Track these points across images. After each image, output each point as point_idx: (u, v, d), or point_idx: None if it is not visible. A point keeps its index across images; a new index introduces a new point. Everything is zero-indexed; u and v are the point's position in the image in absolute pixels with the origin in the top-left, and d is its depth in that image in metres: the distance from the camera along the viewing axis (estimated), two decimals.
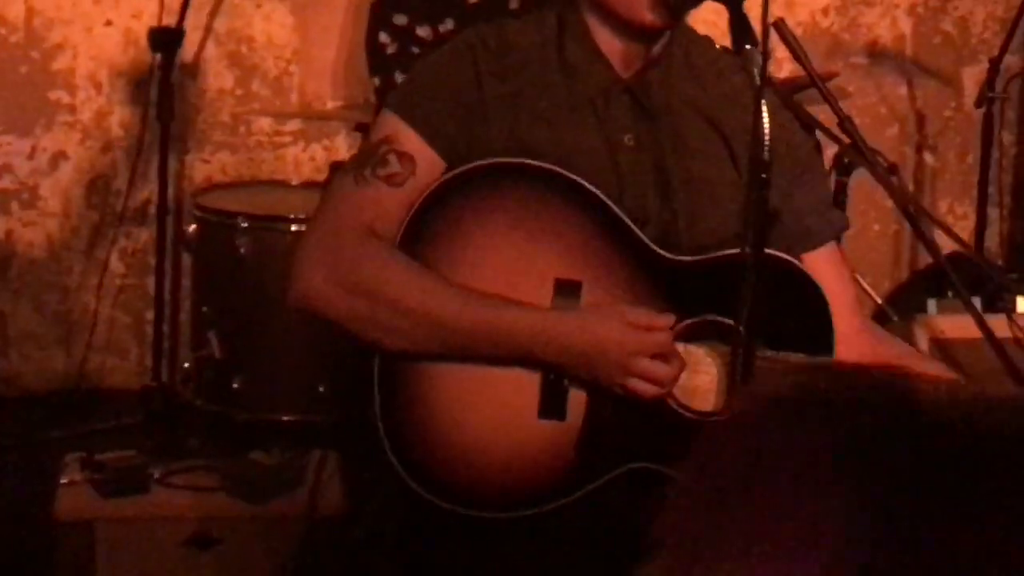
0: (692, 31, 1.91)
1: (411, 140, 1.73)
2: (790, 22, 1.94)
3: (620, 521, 1.68)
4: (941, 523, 0.53)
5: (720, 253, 1.76)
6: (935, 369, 2.05)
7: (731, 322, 1.71)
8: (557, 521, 1.73)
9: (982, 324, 1.98)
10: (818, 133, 1.97)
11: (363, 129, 3.30)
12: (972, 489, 0.54)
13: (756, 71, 1.59)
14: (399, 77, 3.20)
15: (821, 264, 1.84)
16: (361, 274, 1.75)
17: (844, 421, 0.57)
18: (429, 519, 1.83)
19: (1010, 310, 2.71)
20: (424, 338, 1.74)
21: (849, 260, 2.09)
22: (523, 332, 1.73)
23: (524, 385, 1.76)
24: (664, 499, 0.62)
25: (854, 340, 1.82)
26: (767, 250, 1.66)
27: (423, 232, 1.77)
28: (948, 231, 2.18)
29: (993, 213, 4.04)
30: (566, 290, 1.76)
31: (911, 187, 4.03)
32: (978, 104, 3.75)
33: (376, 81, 3.38)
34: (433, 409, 1.82)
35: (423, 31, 3.37)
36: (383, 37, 3.31)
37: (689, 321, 1.77)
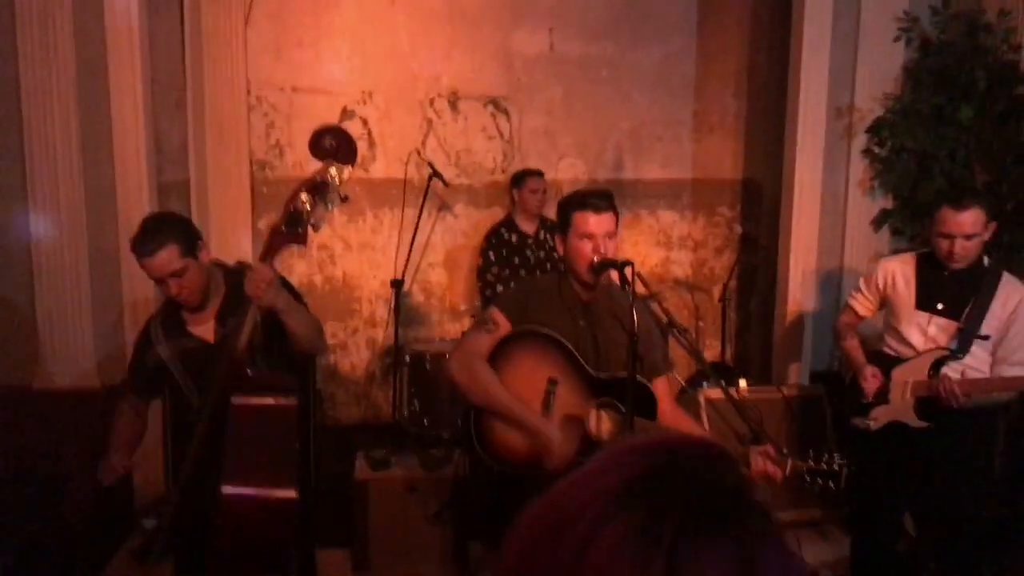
0: (612, 281, 2.36)
1: (500, 317, 2.39)
2: (642, 271, 2.38)
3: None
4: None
5: (617, 374, 2.29)
6: (700, 431, 2.51)
7: (621, 406, 2.25)
8: (548, 476, 2.12)
9: (726, 392, 2.49)
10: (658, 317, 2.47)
11: (475, 316, 3.95)
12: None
13: (629, 295, 2.17)
14: (499, 288, 4.08)
15: (661, 383, 2.40)
16: (470, 369, 2.36)
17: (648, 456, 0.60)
18: (491, 473, 2.40)
19: (737, 385, 3.67)
20: (484, 402, 2.33)
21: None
22: (518, 413, 2.33)
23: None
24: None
25: (668, 415, 2.37)
26: (637, 376, 2.18)
27: (499, 352, 2.36)
28: (699, 353, 2.58)
29: (727, 346, 4.73)
30: (552, 382, 2.33)
31: (694, 335, 4.91)
32: (719, 301, 4.63)
33: (488, 292, 4.17)
34: (493, 427, 2.37)
35: (507, 272, 4.20)
36: (489, 277, 4.22)
37: (602, 399, 2.33)
